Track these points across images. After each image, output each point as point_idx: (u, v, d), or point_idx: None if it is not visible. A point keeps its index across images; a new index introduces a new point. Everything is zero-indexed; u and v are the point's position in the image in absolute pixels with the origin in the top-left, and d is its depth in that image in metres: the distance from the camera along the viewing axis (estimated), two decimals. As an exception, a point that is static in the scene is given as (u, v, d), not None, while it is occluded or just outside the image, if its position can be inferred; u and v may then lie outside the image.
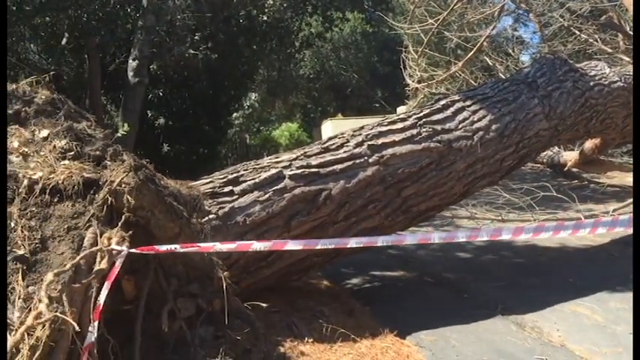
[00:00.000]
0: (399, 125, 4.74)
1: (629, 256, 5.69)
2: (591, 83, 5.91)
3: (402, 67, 15.52)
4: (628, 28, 11.10)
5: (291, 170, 4.15)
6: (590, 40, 12.01)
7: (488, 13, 13.30)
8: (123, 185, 2.58)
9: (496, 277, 5.22)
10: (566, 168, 10.30)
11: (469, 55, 13.56)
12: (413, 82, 14.97)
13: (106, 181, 2.64)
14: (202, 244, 2.57)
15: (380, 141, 4.54)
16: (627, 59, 11.14)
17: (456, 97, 5.24)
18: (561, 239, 6.32)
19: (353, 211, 4.26)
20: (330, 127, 19.23)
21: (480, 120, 5.02)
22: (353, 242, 2.58)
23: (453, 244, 6.28)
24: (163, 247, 2.54)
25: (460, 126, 4.92)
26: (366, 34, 23.51)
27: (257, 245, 2.61)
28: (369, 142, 4.50)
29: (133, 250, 2.46)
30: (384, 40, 21.49)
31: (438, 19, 13.34)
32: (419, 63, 14.44)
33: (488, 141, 4.96)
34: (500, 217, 7.48)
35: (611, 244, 6.25)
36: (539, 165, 11.82)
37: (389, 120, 4.84)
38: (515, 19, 16.39)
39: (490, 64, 14.27)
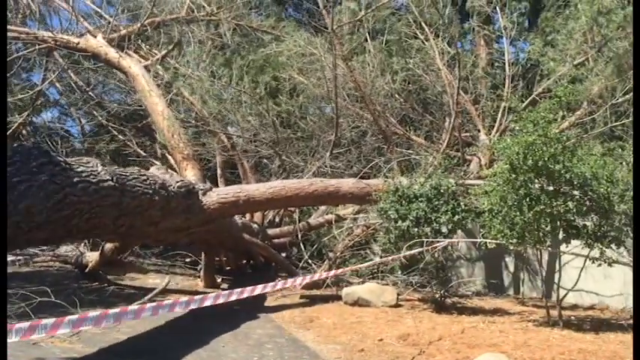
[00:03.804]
0: None
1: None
2: (75, 179, 5.51)
3: None
4: (159, 137, 11.64)
5: None
6: (127, 142, 12.28)
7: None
8: None
9: None
10: (87, 269, 9.79)
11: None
12: None
13: None
14: None
15: None
16: (158, 163, 11.69)
17: None
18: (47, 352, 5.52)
19: None
20: None
21: None
22: None
23: None
24: None
25: None
26: None
27: None
28: None
29: None
30: None
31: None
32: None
33: None
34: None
35: (99, 355, 5.75)
36: (68, 265, 11.03)
37: None
38: (60, 111, 15.80)
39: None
